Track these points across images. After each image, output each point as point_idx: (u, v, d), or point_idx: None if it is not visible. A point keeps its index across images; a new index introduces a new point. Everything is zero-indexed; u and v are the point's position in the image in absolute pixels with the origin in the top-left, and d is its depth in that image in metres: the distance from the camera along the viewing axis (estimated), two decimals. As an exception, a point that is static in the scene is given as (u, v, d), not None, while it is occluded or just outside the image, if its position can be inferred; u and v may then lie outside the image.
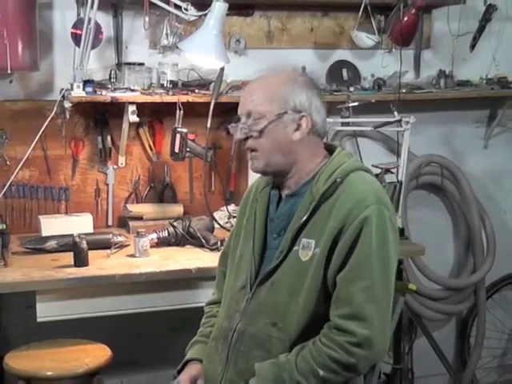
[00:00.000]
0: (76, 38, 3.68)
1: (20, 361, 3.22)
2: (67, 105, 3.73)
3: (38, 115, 3.85)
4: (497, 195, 4.86)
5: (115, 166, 4.05)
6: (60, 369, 3.18)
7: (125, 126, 3.91)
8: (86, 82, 3.69)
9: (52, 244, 3.56)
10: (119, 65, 3.96)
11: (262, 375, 2.31)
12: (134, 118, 3.82)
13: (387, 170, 3.83)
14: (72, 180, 4.01)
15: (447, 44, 4.44)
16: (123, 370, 3.93)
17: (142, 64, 3.95)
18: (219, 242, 3.58)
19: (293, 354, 2.30)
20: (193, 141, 3.87)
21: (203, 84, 3.99)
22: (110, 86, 3.82)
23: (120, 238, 3.65)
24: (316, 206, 2.36)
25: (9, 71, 3.56)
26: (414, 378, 4.52)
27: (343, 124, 4.13)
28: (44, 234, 3.71)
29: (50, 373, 3.16)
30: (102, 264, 3.41)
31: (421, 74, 4.52)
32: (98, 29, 3.69)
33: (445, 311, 4.70)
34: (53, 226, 3.76)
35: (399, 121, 3.87)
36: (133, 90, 3.84)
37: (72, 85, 3.66)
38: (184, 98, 3.87)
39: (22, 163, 3.86)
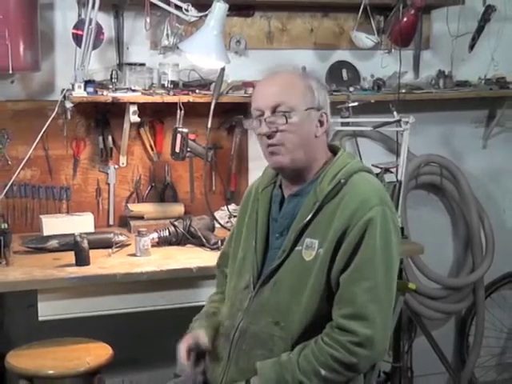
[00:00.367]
0: (77, 39, 3.69)
1: (22, 359, 3.22)
2: (68, 105, 3.73)
3: (40, 115, 3.85)
4: (495, 195, 4.87)
5: (116, 166, 4.05)
6: (61, 367, 3.18)
7: (126, 126, 3.91)
8: (87, 83, 3.70)
9: (53, 243, 3.56)
10: (120, 65, 3.96)
11: (264, 374, 2.32)
12: (135, 118, 3.83)
13: (387, 170, 3.84)
14: (73, 180, 4.01)
15: (446, 44, 4.46)
16: (124, 369, 3.94)
17: (142, 64, 3.96)
18: (220, 242, 3.57)
19: (295, 353, 2.31)
20: (193, 141, 3.87)
21: (204, 84, 3.99)
22: (111, 87, 3.82)
23: (121, 238, 3.66)
24: (320, 206, 2.38)
25: (10, 71, 3.56)
26: (414, 376, 4.54)
27: (343, 124, 4.13)
28: (45, 233, 3.72)
29: (51, 371, 3.16)
30: (103, 263, 3.41)
31: (420, 75, 4.53)
32: (99, 29, 3.70)
33: (444, 310, 4.70)
34: (54, 225, 3.76)
35: (399, 121, 3.87)
36: (134, 91, 3.84)
37: (73, 85, 3.67)
38: (185, 98, 3.87)
39: (23, 163, 3.87)
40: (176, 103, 3.87)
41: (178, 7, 3.68)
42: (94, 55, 3.79)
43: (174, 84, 3.92)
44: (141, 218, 3.97)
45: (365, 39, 4.22)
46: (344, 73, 4.32)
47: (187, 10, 3.67)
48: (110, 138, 4.00)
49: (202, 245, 3.69)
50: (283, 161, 2.42)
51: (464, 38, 4.46)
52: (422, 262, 4.49)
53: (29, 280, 3.21)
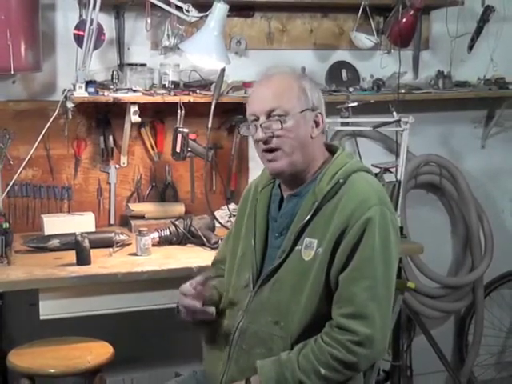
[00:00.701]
0: (78, 39, 3.69)
1: (23, 358, 3.22)
2: (70, 105, 3.73)
3: (41, 115, 3.86)
4: (494, 194, 4.88)
5: (117, 166, 4.06)
6: (63, 366, 3.18)
7: (127, 126, 3.91)
8: (89, 83, 3.70)
9: (55, 243, 3.57)
10: (121, 65, 3.97)
11: (264, 373, 2.33)
12: (136, 119, 3.83)
13: (386, 170, 3.84)
14: (74, 179, 4.01)
15: (445, 45, 4.47)
16: (125, 368, 3.93)
17: (143, 65, 3.97)
18: (220, 241, 3.56)
19: (294, 352, 2.32)
20: (194, 141, 3.88)
21: (204, 84, 4.00)
22: (112, 87, 3.82)
23: (122, 237, 3.66)
24: (319, 206, 2.38)
25: (12, 72, 3.56)
26: (413, 375, 4.55)
27: (343, 124, 4.13)
28: (47, 232, 3.72)
29: (52, 370, 3.16)
30: (104, 262, 3.41)
31: (419, 75, 4.54)
32: (100, 30, 3.70)
33: (443, 309, 4.71)
34: (55, 224, 3.77)
35: (398, 121, 3.87)
36: (135, 91, 3.85)
37: (74, 85, 3.67)
38: (185, 99, 3.88)
39: (25, 163, 3.88)
40: (177, 103, 3.87)
41: (178, 8, 3.68)
42: (95, 56, 3.80)
43: (175, 84, 3.93)
44: (142, 217, 3.97)
45: (364, 40, 4.23)
46: (344, 73, 4.32)
47: (188, 11, 3.67)
48: (111, 137, 4.00)
49: (202, 244, 3.69)
50: (281, 166, 2.42)
51: (463, 38, 4.47)
52: (421, 262, 4.49)
53: (30, 279, 3.21)
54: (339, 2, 4.25)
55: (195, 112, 3.98)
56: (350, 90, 4.19)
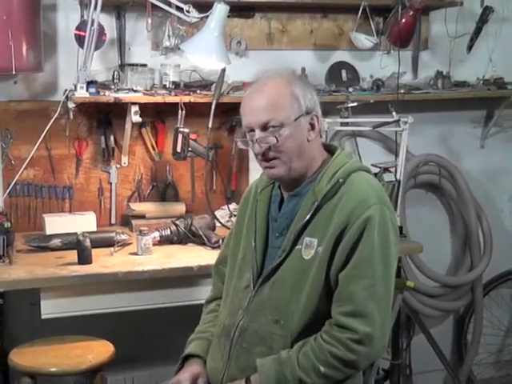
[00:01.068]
0: (79, 40, 3.69)
1: (25, 357, 3.22)
2: (71, 105, 3.74)
3: (42, 115, 3.87)
4: (493, 194, 4.89)
5: (118, 166, 4.06)
6: (64, 365, 3.18)
7: (127, 126, 3.92)
8: (90, 83, 3.71)
9: (56, 242, 3.57)
10: (122, 66, 3.97)
11: (264, 371, 2.33)
12: (137, 119, 3.83)
13: (386, 169, 3.84)
14: (76, 179, 4.02)
15: (445, 45, 4.49)
16: (126, 366, 3.92)
17: (144, 65, 3.97)
18: (220, 240, 3.56)
19: (294, 351, 2.32)
20: (194, 140, 3.89)
21: (205, 85, 4.00)
22: (113, 87, 3.83)
23: (123, 236, 3.67)
24: (318, 205, 2.38)
25: (13, 72, 3.57)
26: (412, 373, 4.56)
27: (342, 124, 4.14)
28: (48, 232, 3.73)
29: (54, 369, 3.16)
30: (105, 262, 3.42)
31: (419, 75, 4.55)
32: (101, 30, 3.70)
33: (442, 308, 4.72)
34: (57, 224, 3.77)
35: (397, 121, 3.88)
36: (135, 91, 3.85)
37: (76, 86, 3.68)
38: (186, 99, 3.88)
39: (26, 162, 3.89)
40: (177, 103, 3.88)
41: (179, 8, 3.68)
42: (96, 56, 3.80)
43: (176, 84, 3.93)
44: (142, 217, 3.98)
45: (364, 40, 4.24)
46: (343, 73, 4.33)
47: (188, 12, 3.67)
48: (111, 137, 4.00)
49: (202, 244, 3.70)
50: (279, 173, 2.42)
51: (462, 38, 4.48)
52: (420, 261, 4.50)
53: (32, 278, 3.22)
54: (339, 2, 4.25)
55: (196, 112, 3.98)
56: (350, 90, 4.20)
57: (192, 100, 3.91)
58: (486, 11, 4.46)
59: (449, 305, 4.75)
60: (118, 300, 3.40)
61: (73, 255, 3.40)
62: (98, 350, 3.29)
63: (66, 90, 3.82)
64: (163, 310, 3.53)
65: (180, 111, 3.89)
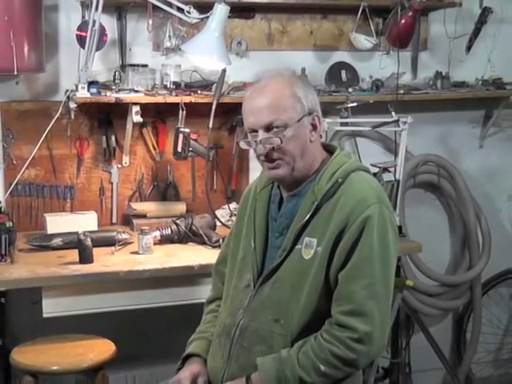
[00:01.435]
0: (81, 40, 3.70)
1: (26, 355, 3.22)
2: (72, 105, 3.75)
3: (44, 115, 3.87)
4: (492, 194, 4.90)
5: (119, 165, 4.07)
6: (65, 363, 3.19)
7: (129, 126, 3.93)
8: (91, 83, 3.71)
9: (57, 241, 3.58)
10: (123, 66, 3.98)
11: (265, 370, 2.34)
12: (138, 119, 3.84)
13: (385, 169, 3.83)
14: (77, 179, 4.02)
15: (444, 46, 4.50)
16: (127, 365, 3.93)
17: (145, 65, 3.97)
18: (221, 240, 3.55)
19: (294, 350, 2.33)
20: (195, 140, 3.89)
21: (205, 85, 4.00)
22: (114, 87, 3.83)
23: (124, 236, 3.68)
24: (318, 205, 2.39)
25: (15, 72, 3.58)
26: (412, 372, 4.58)
27: (342, 124, 4.15)
28: (50, 231, 3.73)
29: (55, 367, 3.17)
30: (106, 261, 3.43)
31: (418, 76, 4.55)
32: (102, 31, 3.70)
33: (441, 307, 4.73)
34: (58, 223, 3.78)
35: (397, 121, 3.88)
36: (136, 91, 3.85)
37: (77, 86, 3.68)
38: (187, 99, 3.88)
39: (28, 162, 3.89)
40: (178, 104, 3.88)
41: (180, 9, 3.69)
42: (98, 56, 3.81)
43: (176, 85, 3.94)
44: (143, 216, 3.98)
45: (363, 41, 4.25)
46: (343, 74, 4.33)
47: (189, 12, 3.68)
48: (113, 137, 4.01)
49: (203, 243, 3.71)
50: (283, 173, 2.43)
51: (461, 39, 4.50)
52: (419, 260, 4.50)
53: (33, 277, 3.24)
54: (339, 3, 4.26)
55: (196, 112, 3.98)
56: (350, 90, 4.20)
57: (193, 100, 3.91)
58: (485, 12, 4.48)
59: (448, 304, 4.75)
60: (119, 299, 3.41)
61: (74, 254, 3.41)
62: (100, 349, 3.30)
63: (67, 91, 3.83)
64: (164, 309, 3.54)
65: (181, 111, 3.89)
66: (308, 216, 2.41)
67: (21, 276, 3.23)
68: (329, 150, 2.54)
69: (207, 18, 3.68)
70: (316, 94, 2.51)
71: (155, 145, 4.12)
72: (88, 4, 3.73)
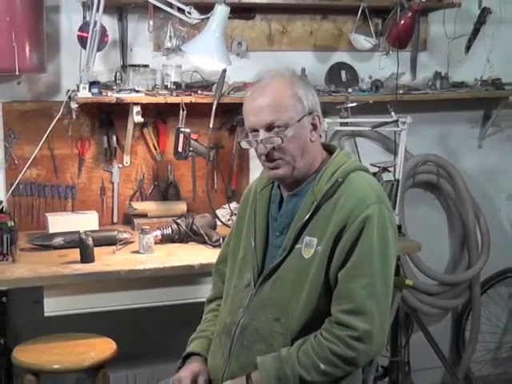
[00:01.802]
0: (82, 41, 3.70)
1: (28, 354, 3.24)
2: (74, 105, 3.75)
3: (45, 116, 3.88)
4: (491, 193, 4.90)
5: (120, 165, 4.07)
6: (67, 362, 3.20)
7: (129, 126, 3.93)
8: (92, 84, 3.71)
9: (59, 241, 3.59)
10: (124, 67, 3.98)
11: (265, 369, 2.35)
12: (139, 119, 3.84)
13: (385, 169, 3.84)
14: (78, 178, 4.03)
15: (443, 46, 4.50)
16: (128, 364, 3.94)
17: (146, 66, 3.98)
18: (221, 239, 3.55)
19: (294, 348, 2.34)
20: (196, 140, 3.90)
21: (206, 85, 4.01)
22: (115, 88, 3.84)
23: (125, 235, 3.69)
24: (318, 205, 2.40)
25: (17, 73, 3.58)
26: (411, 370, 4.57)
27: (342, 124, 4.15)
28: (51, 230, 3.74)
29: (56, 366, 3.18)
30: (107, 260, 3.44)
31: (417, 76, 4.56)
32: (103, 32, 3.71)
33: (440, 306, 4.74)
34: (59, 223, 3.78)
35: (396, 121, 3.89)
36: (137, 91, 3.86)
37: (78, 86, 3.68)
38: (187, 99, 3.89)
39: (29, 162, 3.89)
40: (179, 104, 3.88)
41: (180, 10, 3.70)
42: (99, 57, 3.81)
43: (177, 85, 3.95)
44: (144, 215, 3.99)
45: (363, 41, 4.25)
46: (343, 74, 4.34)
47: (190, 13, 3.69)
48: (114, 137, 4.01)
49: (204, 242, 3.72)
50: (283, 173, 2.44)
51: (460, 40, 4.50)
52: (419, 259, 4.51)
53: (35, 277, 3.24)
54: (338, 4, 4.25)
55: (197, 112, 3.98)
56: (349, 90, 4.21)
57: (193, 100, 3.91)
58: (484, 12, 4.48)
59: (447, 303, 4.76)
60: (120, 298, 3.42)
61: (75, 254, 3.42)
62: (101, 348, 3.31)
63: (68, 91, 3.84)
64: (165, 308, 3.56)
65: (181, 111, 3.89)
66: (308, 215, 2.42)
67: (22, 275, 3.24)
68: (329, 149, 2.55)
69: (208, 18, 3.69)
70: (316, 94, 2.51)
71: (156, 145, 4.12)
72: (89, 5, 3.73)
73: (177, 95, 3.90)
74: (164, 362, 3.86)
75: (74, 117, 3.85)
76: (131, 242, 3.70)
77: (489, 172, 4.87)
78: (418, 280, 4.57)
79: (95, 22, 3.63)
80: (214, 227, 3.84)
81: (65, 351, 3.29)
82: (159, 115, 4.10)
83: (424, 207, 4.76)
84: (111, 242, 3.64)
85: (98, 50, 3.72)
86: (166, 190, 4.17)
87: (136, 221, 3.97)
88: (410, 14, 4.13)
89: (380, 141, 4.56)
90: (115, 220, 4.12)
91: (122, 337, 3.45)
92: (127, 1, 3.87)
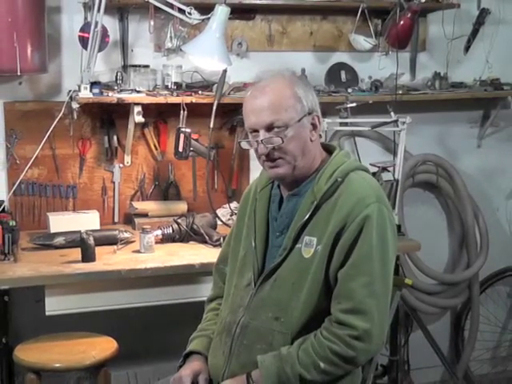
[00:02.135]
0: (83, 41, 3.71)
1: (29, 353, 3.25)
2: (75, 106, 3.75)
3: (47, 116, 3.89)
4: (490, 193, 4.91)
5: (121, 165, 4.08)
6: (68, 361, 3.21)
7: (130, 126, 3.94)
8: (93, 84, 3.72)
9: (60, 240, 3.59)
10: (125, 67, 3.99)
11: (265, 367, 2.36)
12: (140, 119, 3.84)
13: (384, 169, 3.84)
14: (79, 178, 4.04)
15: (442, 47, 4.50)
16: (129, 362, 3.95)
17: (147, 66, 3.99)
18: (222, 238, 3.56)
19: (294, 347, 2.35)
20: (196, 140, 3.90)
21: (206, 85, 4.02)
22: (116, 88, 3.85)
23: (126, 235, 3.69)
24: (317, 204, 2.41)
25: (18, 73, 3.59)
26: (410, 369, 4.58)
27: (342, 124, 4.15)
28: (52, 230, 3.75)
29: (58, 365, 3.19)
30: (108, 259, 3.45)
31: (416, 76, 4.56)
32: (104, 32, 3.72)
33: (440, 305, 4.74)
34: (61, 222, 3.79)
35: (396, 121, 3.89)
36: (138, 92, 3.86)
37: (79, 86, 3.69)
38: (188, 99, 3.89)
39: (31, 162, 3.90)
40: (179, 104, 3.89)
41: (181, 10, 3.70)
42: (100, 57, 3.82)
43: (178, 85, 3.95)
44: (145, 215, 4.00)
45: (363, 42, 4.26)
46: (343, 74, 4.35)
47: (190, 14, 3.70)
48: (115, 137, 4.02)
49: (204, 242, 3.72)
50: (284, 172, 2.45)
51: (459, 40, 4.50)
52: (418, 259, 4.52)
53: (36, 276, 3.25)
54: (338, 4, 4.24)
55: (197, 112, 3.99)
56: (349, 90, 4.21)
57: (194, 100, 3.92)
58: (483, 13, 4.49)
59: (446, 302, 4.77)
60: (121, 297, 3.43)
61: (77, 253, 3.42)
62: (102, 346, 3.32)
63: (69, 91, 3.84)
64: (165, 307, 3.56)
65: (182, 111, 3.90)
66: (308, 215, 2.42)
67: (24, 274, 3.25)
68: (328, 149, 2.56)
69: (208, 19, 3.69)
70: (316, 95, 2.52)
71: (157, 145, 4.13)
72: (90, 5, 3.74)
73: (177, 95, 3.90)
74: (165, 360, 3.90)
75: (76, 117, 3.85)
76: (132, 242, 3.71)
77: (488, 172, 4.88)
78: (418, 279, 4.58)
79: (96, 23, 3.64)
80: (215, 227, 3.85)
81: (66, 350, 3.30)
82: (160, 115, 4.11)
83: (423, 207, 4.76)
84: (112, 241, 3.64)
85: (99, 50, 3.72)
86: (166, 190, 4.18)
87: (137, 220, 3.97)
88: (409, 15, 4.14)
89: (379, 141, 4.56)
90: (116, 219, 4.13)
91: (123, 336, 3.47)
92: (128, 1, 3.88)
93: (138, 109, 3.84)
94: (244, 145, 2.56)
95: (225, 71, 3.92)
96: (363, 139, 4.53)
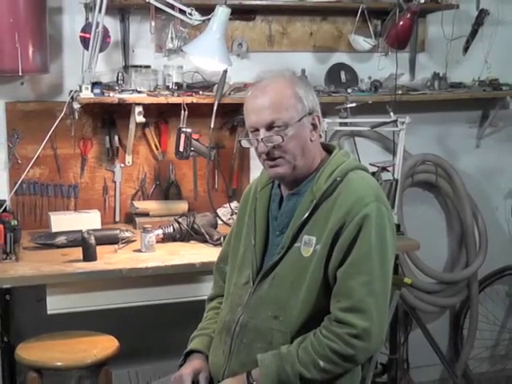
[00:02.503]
0: (84, 42, 3.72)
1: (31, 352, 3.26)
2: (76, 106, 3.76)
3: (48, 116, 3.90)
4: (489, 192, 4.92)
5: (122, 165, 4.09)
6: (69, 359, 3.23)
7: (131, 126, 3.95)
8: (94, 84, 3.74)
9: (61, 239, 3.60)
10: (126, 67, 4.00)
11: (265, 366, 2.36)
12: (141, 119, 3.86)
13: (383, 169, 3.85)
14: (81, 178, 4.05)
15: (441, 47, 4.51)
16: (130, 361, 3.95)
17: (148, 66, 4.00)
18: (222, 238, 3.56)
19: (294, 346, 2.36)
20: (197, 140, 3.91)
21: (207, 86, 4.02)
22: (117, 88, 3.85)
23: (127, 234, 3.70)
24: (317, 204, 2.42)
25: (20, 73, 3.60)
26: (410, 368, 4.58)
27: (341, 124, 4.16)
28: (54, 229, 3.76)
29: (59, 363, 3.21)
30: (109, 259, 3.46)
31: (416, 76, 4.57)
32: (105, 33, 3.73)
33: (439, 304, 4.75)
34: (62, 222, 3.79)
35: (395, 121, 3.90)
36: (139, 92, 3.88)
37: (81, 86, 3.71)
38: (188, 100, 3.91)
39: (32, 162, 3.91)
40: (180, 104, 3.90)
41: (182, 11, 3.71)
42: (101, 58, 3.83)
43: (178, 85, 3.96)
44: (146, 214, 4.01)
45: (362, 42, 4.27)
46: (342, 75, 4.35)
47: (191, 14, 3.71)
48: (116, 137, 4.03)
49: (205, 241, 3.73)
50: (284, 172, 2.46)
51: (458, 41, 4.50)
52: (417, 258, 4.53)
53: (38, 275, 3.26)
54: (338, 5, 4.25)
55: (198, 112, 4.00)
56: (349, 91, 4.21)
57: (194, 101, 3.93)
58: (482, 14, 4.49)
59: (445, 301, 4.78)
60: (122, 296, 3.44)
61: (78, 252, 3.44)
62: (103, 345, 3.34)
63: (71, 91, 3.85)
64: (166, 306, 3.56)
65: (183, 112, 3.91)
66: (307, 214, 2.43)
67: (25, 273, 3.26)
68: (328, 149, 2.57)
69: (209, 19, 3.70)
70: (316, 95, 2.54)
71: (157, 144, 4.14)
72: (91, 6, 3.75)
73: (178, 96, 3.91)
74: (165, 359, 3.89)
75: (77, 117, 3.86)
76: (133, 241, 3.71)
77: (487, 171, 4.88)
78: (417, 278, 4.59)
79: (97, 23, 3.66)
80: (215, 226, 3.86)
81: (67, 349, 3.31)
82: (161, 115, 4.12)
83: (422, 206, 4.77)
84: (113, 240, 3.65)
85: (101, 50, 3.74)
86: (167, 190, 4.19)
87: (138, 220, 3.98)
88: (408, 16, 4.15)
89: (379, 141, 4.57)
90: (117, 219, 4.14)
91: (124, 334, 3.48)
92: (129, 2, 3.89)
93: (139, 109, 3.85)
94: (244, 143, 2.57)
95: (225, 71, 3.93)
96: (363, 139, 4.53)
